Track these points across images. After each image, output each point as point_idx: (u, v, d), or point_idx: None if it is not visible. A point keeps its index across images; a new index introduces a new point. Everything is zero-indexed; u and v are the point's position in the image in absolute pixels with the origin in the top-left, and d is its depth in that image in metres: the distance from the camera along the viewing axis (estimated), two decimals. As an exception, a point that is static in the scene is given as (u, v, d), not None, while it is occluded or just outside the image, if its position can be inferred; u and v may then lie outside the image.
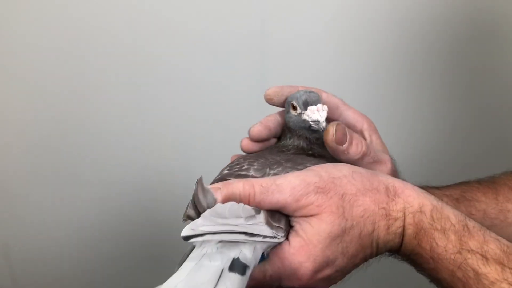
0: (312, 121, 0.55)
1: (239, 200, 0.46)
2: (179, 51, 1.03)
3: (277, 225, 0.46)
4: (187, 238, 0.42)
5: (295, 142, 0.58)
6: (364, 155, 0.55)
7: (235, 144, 1.07)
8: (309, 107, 0.55)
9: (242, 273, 0.42)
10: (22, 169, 1.07)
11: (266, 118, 0.61)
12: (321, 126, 0.54)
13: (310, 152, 0.57)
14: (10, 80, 1.02)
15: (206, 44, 1.02)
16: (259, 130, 0.60)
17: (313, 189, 0.46)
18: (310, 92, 0.57)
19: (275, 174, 0.51)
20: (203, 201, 0.45)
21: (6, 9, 0.97)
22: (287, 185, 0.46)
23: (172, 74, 1.04)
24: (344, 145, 0.54)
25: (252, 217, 0.45)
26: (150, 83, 1.05)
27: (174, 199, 1.13)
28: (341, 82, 1.06)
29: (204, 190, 0.45)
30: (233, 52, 1.03)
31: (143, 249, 1.15)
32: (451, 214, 0.47)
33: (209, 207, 0.44)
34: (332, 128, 0.53)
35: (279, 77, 1.05)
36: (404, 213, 0.48)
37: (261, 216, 0.45)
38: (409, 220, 0.48)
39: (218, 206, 0.44)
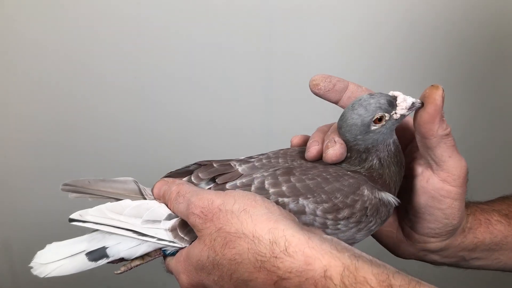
0: (409, 108, 0.47)
1: (165, 201, 0.50)
2: (184, 53, 1.02)
3: (181, 235, 0.48)
4: (72, 220, 0.47)
5: (374, 160, 0.50)
6: (448, 135, 0.48)
7: (239, 146, 1.07)
8: (397, 101, 0.48)
9: (94, 259, 0.48)
10: (24, 164, 1.06)
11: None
12: (417, 104, 0.48)
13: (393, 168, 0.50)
14: (15, 79, 1.02)
15: (212, 46, 1.02)
16: (341, 153, 0.49)
17: (198, 212, 0.46)
18: (372, 94, 0.49)
19: (248, 181, 0.49)
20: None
21: (8, 8, 0.97)
22: (191, 198, 0.47)
23: (178, 77, 1.04)
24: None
25: (156, 221, 0.48)
26: (156, 85, 1.04)
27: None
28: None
29: (105, 181, 0.50)
30: (239, 55, 1.02)
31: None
32: (370, 275, 0.38)
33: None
34: (440, 86, 0.47)
35: (285, 79, 1.04)
36: (298, 275, 0.40)
37: (169, 223, 0.48)
38: (308, 286, 0.40)
39: (123, 202, 0.48)
